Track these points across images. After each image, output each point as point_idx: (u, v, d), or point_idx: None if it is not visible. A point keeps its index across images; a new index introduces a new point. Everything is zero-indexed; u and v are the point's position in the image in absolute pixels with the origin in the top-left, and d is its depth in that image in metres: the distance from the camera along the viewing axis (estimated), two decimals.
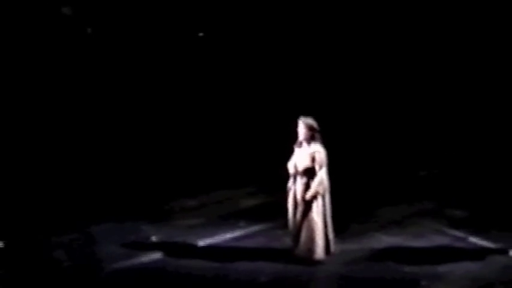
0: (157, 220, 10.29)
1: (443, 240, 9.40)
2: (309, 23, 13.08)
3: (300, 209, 8.48)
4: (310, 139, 8.48)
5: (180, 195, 11.34)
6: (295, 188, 8.53)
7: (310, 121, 8.51)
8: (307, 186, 8.43)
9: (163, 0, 13.02)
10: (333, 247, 8.61)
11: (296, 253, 8.56)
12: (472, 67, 12.91)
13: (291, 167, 8.56)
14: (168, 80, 13.33)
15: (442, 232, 9.71)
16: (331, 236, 8.57)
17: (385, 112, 13.15)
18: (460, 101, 12.89)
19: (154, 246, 9.27)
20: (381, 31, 13.15)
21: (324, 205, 8.49)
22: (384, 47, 13.17)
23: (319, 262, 8.47)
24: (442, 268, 8.41)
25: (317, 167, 8.41)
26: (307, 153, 8.46)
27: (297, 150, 8.59)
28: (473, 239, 9.38)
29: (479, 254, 8.85)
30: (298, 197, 8.48)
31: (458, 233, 9.61)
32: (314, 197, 8.40)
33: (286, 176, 8.66)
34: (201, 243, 9.39)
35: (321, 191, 8.41)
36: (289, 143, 8.71)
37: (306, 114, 8.60)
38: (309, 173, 8.43)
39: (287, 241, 8.78)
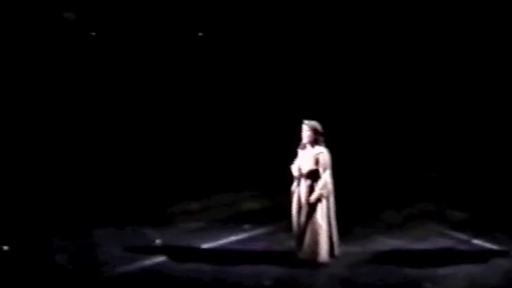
0: (160, 223, 10.28)
1: (446, 243, 9.41)
2: (311, 24, 13.07)
3: (304, 211, 8.49)
4: (314, 142, 8.50)
5: (182, 199, 11.35)
6: (299, 190, 8.54)
7: (315, 124, 8.52)
8: (311, 189, 8.44)
9: (163, 0, 13.01)
10: (336, 250, 8.62)
11: (300, 256, 8.57)
12: (473, 70, 12.90)
13: (295, 169, 8.57)
14: (168, 81, 13.30)
15: (445, 234, 9.72)
16: (335, 238, 8.59)
17: (386, 115, 13.15)
18: (462, 103, 12.88)
19: (157, 250, 9.27)
20: (382, 34, 13.15)
21: (328, 208, 8.51)
22: (384, 52, 13.17)
23: (323, 265, 8.48)
24: (445, 271, 8.41)
25: (321, 170, 8.43)
26: (311, 156, 8.48)
27: (300, 153, 8.61)
28: (477, 242, 9.39)
29: (482, 256, 8.85)
30: (303, 199, 8.49)
31: (461, 236, 9.62)
32: (318, 200, 8.42)
33: (289, 178, 8.68)
34: (205, 246, 9.40)
35: (325, 194, 8.42)
36: (292, 145, 8.72)
37: (310, 117, 8.62)
38: (313, 175, 8.45)
39: (291, 244, 8.77)
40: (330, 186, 8.50)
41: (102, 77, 13.02)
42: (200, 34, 13.52)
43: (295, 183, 8.61)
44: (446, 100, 13.01)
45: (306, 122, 8.56)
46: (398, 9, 12.95)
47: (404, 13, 12.93)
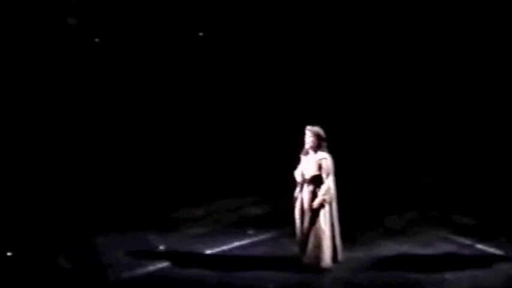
0: (163, 229, 10.28)
1: (450, 248, 9.40)
2: (315, 29, 13.07)
3: (307, 217, 8.49)
4: (317, 147, 8.51)
5: (186, 204, 11.35)
6: (302, 196, 8.54)
7: (318, 129, 8.53)
8: (314, 195, 8.45)
9: (163, 0, 13.02)
10: (340, 255, 8.61)
11: (303, 261, 8.57)
12: (476, 75, 12.89)
13: (298, 175, 8.58)
14: (171, 85, 13.30)
15: (448, 239, 9.71)
16: (338, 244, 8.58)
17: (388, 120, 13.14)
18: (465, 107, 12.86)
19: (161, 255, 9.27)
20: (381, 42, 13.15)
21: (331, 213, 8.51)
22: (386, 58, 13.17)
23: (326, 270, 8.48)
24: (449, 276, 8.39)
25: (324, 175, 8.43)
26: (313, 162, 8.49)
27: (303, 158, 8.61)
28: (480, 246, 9.38)
29: (486, 261, 8.84)
30: (305, 205, 8.49)
31: (465, 241, 9.61)
32: (321, 205, 8.42)
33: (292, 184, 8.68)
34: (208, 251, 9.40)
35: (328, 199, 8.42)
36: (295, 151, 8.73)
37: (313, 122, 8.63)
38: (316, 181, 8.45)
39: (294, 249, 8.78)
40: (333, 191, 8.50)
41: (106, 82, 13.03)
42: (201, 34, 13.50)
43: (298, 189, 8.61)
44: (449, 104, 12.99)
45: (308, 127, 8.57)
46: (397, 14, 12.94)
47: (402, 17, 12.92)
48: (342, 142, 9.41)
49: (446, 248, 9.41)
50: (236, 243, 9.66)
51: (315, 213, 8.44)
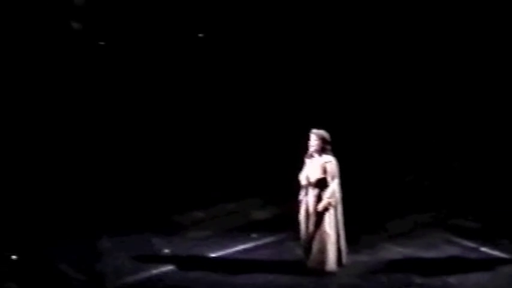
0: (167, 233, 10.27)
1: (454, 251, 9.40)
2: (317, 26, 13.06)
3: (312, 220, 8.49)
4: (322, 151, 8.51)
5: (190, 208, 11.32)
6: (307, 199, 8.54)
7: (323, 133, 8.54)
8: (319, 198, 8.45)
9: (163, 0, 13.01)
10: (345, 258, 8.62)
11: (308, 264, 8.57)
12: (478, 77, 12.89)
13: (302, 178, 8.58)
14: (172, 85, 13.29)
15: (453, 242, 9.71)
16: (343, 247, 8.59)
17: (394, 123, 13.12)
18: (469, 110, 12.85)
19: (165, 259, 9.26)
20: (386, 43, 13.15)
21: (336, 216, 8.51)
22: (390, 62, 13.17)
23: (331, 273, 8.48)
24: (454, 279, 8.40)
25: (329, 179, 8.44)
26: (318, 165, 8.49)
27: (308, 162, 8.61)
28: (485, 249, 9.38)
29: (490, 264, 8.84)
30: (310, 208, 8.50)
31: (470, 243, 9.60)
32: (326, 209, 8.42)
33: (296, 187, 8.68)
34: (212, 255, 9.40)
35: (333, 203, 8.43)
36: (299, 154, 8.73)
37: (317, 125, 8.64)
38: (321, 184, 8.46)
39: (299, 253, 8.78)
40: (338, 195, 8.51)
41: (109, 85, 13.03)
42: (200, 35, 13.50)
43: (302, 192, 8.62)
44: (453, 107, 12.98)
45: (314, 131, 8.58)
46: (400, 16, 12.95)
47: (405, 19, 12.93)
48: (346, 145, 9.40)
49: (450, 250, 9.42)
50: (240, 247, 9.66)
51: (319, 216, 8.44)
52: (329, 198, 8.41)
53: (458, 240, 9.78)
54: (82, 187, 11.85)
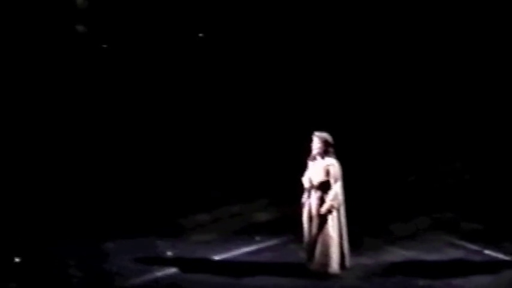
0: (171, 235, 10.29)
1: (457, 254, 9.39)
2: (321, 28, 13.06)
3: (315, 223, 8.49)
4: (324, 153, 8.52)
5: (193, 210, 11.34)
6: (310, 202, 8.55)
7: (325, 135, 8.55)
8: (322, 201, 8.45)
9: (163, 1, 13.02)
10: (348, 261, 8.61)
11: (311, 267, 8.56)
12: (484, 79, 12.87)
13: (305, 181, 8.58)
14: (176, 88, 13.30)
15: (456, 245, 9.71)
16: (346, 250, 8.58)
17: (398, 126, 13.12)
18: (475, 112, 12.83)
19: (169, 261, 9.28)
20: (388, 46, 13.15)
21: (339, 219, 8.51)
22: (394, 64, 13.16)
23: (334, 276, 8.47)
24: (457, 282, 8.37)
25: (332, 181, 8.44)
26: (321, 168, 8.50)
27: (311, 164, 8.62)
28: (488, 252, 9.36)
29: (494, 267, 8.82)
30: (313, 211, 8.50)
31: (473, 246, 9.60)
32: (329, 211, 8.43)
33: (299, 190, 8.69)
34: (216, 257, 9.41)
35: (335, 205, 8.43)
36: (302, 156, 8.73)
37: (319, 128, 8.65)
38: (324, 187, 8.46)
39: (302, 255, 8.77)
40: (341, 197, 8.51)
41: (113, 87, 13.06)
42: (201, 35, 13.50)
43: (305, 195, 8.62)
44: (456, 109, 12.97)
45: (316, 133, 8.58)
46: (404, 18, 12.94)
47: (409, 21, 12.92)
48: (349, 148, 9.40)
49: (454, 253, 9.41)
50: (244, 249, 9.67)
51: (322, 219, 8.45)
52: (332, 200, 8.41)
53: (462, 242, 9.78)
54: (87, 189, 11.88)
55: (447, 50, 12.89)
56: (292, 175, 8.92)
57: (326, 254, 8.45)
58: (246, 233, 10.32)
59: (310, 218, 8.53)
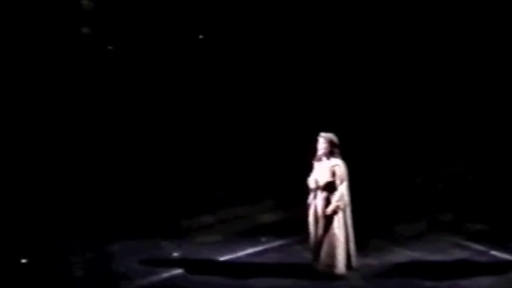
0: (176, 237, 10.31)
1: (463, 254, 9.38)
2: (322, 28, 13.05)
3: (320, 224, 8.49)
4: (330, 154, 8.52)
5: (198, 212, 11.35)
6: (316, 203, 8.55)
7: (331, 136, 8.55)
8: (327, 201, 8.45)
9: (162, 2, 13.03)
10: (354, 262, 8.61)
11: (317, 268, 8.56)
12: (486, 81, 12.86)
13: (311, 182, 8.58)
14: (179, 90, 13.31)
15: (462, 246, 9.69)
16: (352, 250, 8.58)
17: (401, 126, 13.11)
18: (476, 112, 12.82)
19: (174, 263, 9.28)
20: (392, 48, 13.14)
21: (345, 220, 8.51)
22: (398, 65, 13.16)
23: (340, 277, 8.47)
24: (463, 282, 8.37)
25: (337, 182, 8.44)
26: (327, 168, 8.50)
27: (316, 165, 8.62)
28: (494, 253, 9.34)
29: (500, 267, 8.81)
30: (319, 212, 8.50)
31: (479, 247, 9.58)
32: (335, 212, 8.42)
33: (305, 190, 8.68)
34: (222, 258, 9.41)
35: (341, 206, 8.43)
36: (308, 157, 8.73)
37: (325, 129, 8.65)
38: (330, 187, 8.46)
39: (308, 256, 8.78)
40: (347, 198, 8.51)
41: (118, 89, 13.07)
42: (200, 37, 13.50)
43: (311, 196, 8.62)
44: (462, 110, 12.95)
45: (322, 134, 8.59)
46: (412, 21, 12.94)
47: (417, 24, 12.92)
48: (355, 148, 9.40)
49: (460, 254, 9.40)
50: (249, 250, 9.68)
51: (328, 219, 8.44)
52: (337, 201, 8.41)
53: (467, 243, 9.77)
54: (92, 191, 11.88)
55: (450, 56, 12.89)
56: (298, 176, 8.92)
57: (332, 254, 8.44)
58: (252, 234, 10.33)
59: (316, 218, 8.53)
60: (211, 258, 9.42)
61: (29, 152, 12.06)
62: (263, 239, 10.06)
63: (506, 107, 12.58)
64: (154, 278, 8.75)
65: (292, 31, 13.09)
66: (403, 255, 9.39)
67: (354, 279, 8.48)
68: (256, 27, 13.18)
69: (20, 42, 12.15)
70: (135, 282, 8.65)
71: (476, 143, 12.53)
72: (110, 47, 12.95)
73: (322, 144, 8.53)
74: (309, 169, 8.65)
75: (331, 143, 8.51)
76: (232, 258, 9.43)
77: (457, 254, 9.38)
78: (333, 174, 8.46)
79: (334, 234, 8.42)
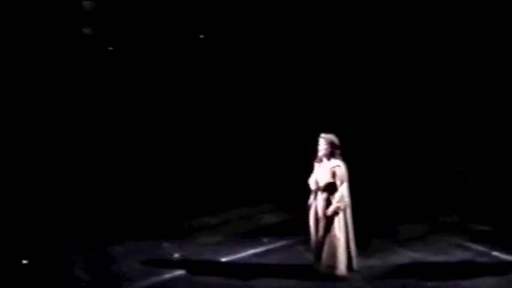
0: (178, 238, 10.30)
1: (465, 255, 9.36)
2: (324, 29, 13.05)
3: (321, 225, 8.48)
4: (330, 155, 8.51)
5: (200, 213, 11.37)
6: (317, 204, 8.54)
7: (331, 137, 8.54)
8: (328, 202, 8.45)
9: (163, 2, 13.04)
10: (355, 263, 8.60)
11: (318, 269, 8.56)
12: (488, 83, 12.86)
13: (312, 183, 8.58)
14: (182, 91, 13.32)
15: (464, 247, 9.67)
16: (353, 251, 8.57)
17: (403, 126, 13.11)
18: (479, 113, 12.81)
19: (176, 264, 9.29)
20: (396, 49, 13.14)
21: (345, 220, 8.50)
22: (401, 65, 13.16)
23: (341, 278, 8.46)
24: (465, 283, 8.36)
25: (338, 183, 8.44)
26: (327, 169, 8.49)
27: (317, 166, 8.62)
28: (496, 254, 9.32)
29: (502, 268, 8.79)
30: (320, 213, 8.49)
31: (481, 248, 9.56)
32: (335, 213, 8.42)
33: (306, 191, 8.68)
34: (223, 259, 9.41)
35: (342, 207, 8.42)
36: (308, 158, 8.73)
37: (325, 130, 8.64)
38: (330, 188, 8.45)
39: (309, 257, 8.78)
40: (347, 199, 8.50)
41: (119, 91, 13.08)
42: (201, 36, 13.51)
43: (312, 197, 8.62)
44: (464, 111, 12.95)
45: (322, 135, 8.58)
46: (415, 21, 12.93)
47: (421, 24, 12.91)
48: (355, 149, 9.39)
49: (462, 255, 9.38)
50: (251, 251, 9.67)
51: (329, 220, 8.44)
52: (338, 202, 8.40)
53: (469, 244, 9.75)
54: (94, 192, 11.90)
55: (454, 57, 12.89)
56: (298, 177, 8.92)
57: (333, 255, 8.44)
58: (253, 235, 10.33)
59: (317, 219, 8.52)
60: (213, 259, 9.41)
61: (31, 153, 12.10)
62: (265, 240, 10.06)
63: (508, 108, 12.57)
64: (156, 279, 8.75)
65: (293, 32, 13.10)
66: (405, 256, 9.37)
67: (355, 281, 8.47)
68: (257, 27, 13.19)
69: (21, 42, 12.18)
70: (136, 283, 8.66)
71: (478, 144, 12.53)
72: (110, 48, 12.97)
73: (322, 145, 8.52)
74: (310, 170, 8.64)
75: (331, 144, 8.50)
76: (233, 259, 9.43)
77: (459, 255, 9.35)
78: (334, 175, 8.45)
79: (334, 235, 8.42)
